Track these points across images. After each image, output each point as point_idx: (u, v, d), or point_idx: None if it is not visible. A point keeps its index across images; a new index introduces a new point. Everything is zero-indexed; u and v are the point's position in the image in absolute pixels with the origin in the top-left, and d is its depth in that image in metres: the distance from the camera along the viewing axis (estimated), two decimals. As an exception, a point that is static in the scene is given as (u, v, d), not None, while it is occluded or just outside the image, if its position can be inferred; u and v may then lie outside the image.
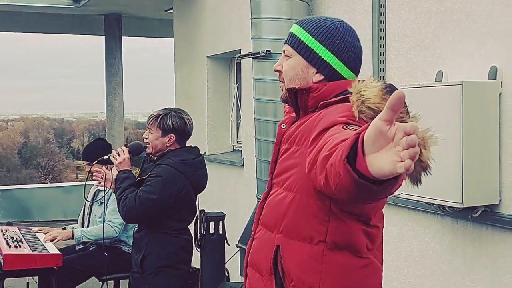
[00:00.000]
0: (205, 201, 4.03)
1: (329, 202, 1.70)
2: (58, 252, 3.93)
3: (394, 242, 3.46)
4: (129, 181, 3.42)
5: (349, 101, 1.70)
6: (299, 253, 1.77)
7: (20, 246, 3.96)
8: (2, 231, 4.39)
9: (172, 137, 3.48)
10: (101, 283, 4.50)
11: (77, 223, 4.74)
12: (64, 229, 4.62)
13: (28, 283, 4.14)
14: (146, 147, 3.54)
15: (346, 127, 1.62)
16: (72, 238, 4.36)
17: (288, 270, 1.78)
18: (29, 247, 3.99)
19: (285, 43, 1.94)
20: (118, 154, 3.48)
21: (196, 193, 3.59)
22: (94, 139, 4.88)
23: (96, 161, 3.67)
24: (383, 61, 3.48)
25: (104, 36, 9.30)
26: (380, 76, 3.47)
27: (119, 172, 3.48)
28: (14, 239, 4.14)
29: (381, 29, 3.49)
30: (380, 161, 1.23)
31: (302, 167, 1.67)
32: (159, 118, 3.50)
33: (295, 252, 1.77)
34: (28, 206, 9.47)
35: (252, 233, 1.94)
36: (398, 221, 3.44)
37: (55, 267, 3.86)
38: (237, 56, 3.93)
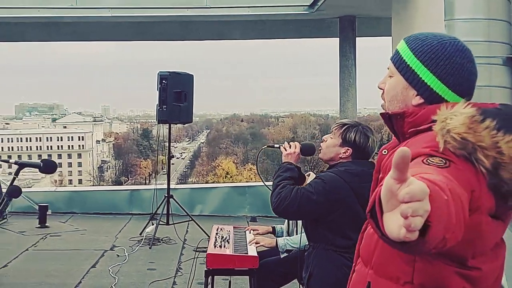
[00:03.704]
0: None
1: None
2: (255, 255, 4.15)
3: None
4: (291, 173, 3.38)
5: None
6: None
7: (224, 246, 4.27)
8: (217, 229, 4.79)
9: (348, 151, 3.36)
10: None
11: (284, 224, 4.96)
12: (273, 228, 4.87)
13: (230, 282, 4.46)
14: (319, 150, 3.50)
15: (427, 160, 1.47)
16: (276, 246, 4.54)
17: None
18: (233, 247, 4.29)
19: (390, 59, 1.81)
20: (290, 147, 3.51)
21: (365, 207, 3.40)
22: None
23: (266, 146, 3.89)
24: None
25: (338, 38, 9.48)
26: None
27: (284, 162, 3.47)
28: (223, 238, 4.48)
29: None
30: (391, 222, 1.12)
31: None
32: (344, 127, 3.41)
33: None
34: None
35: (353, 264, 1.86)
36: None
37: (254, 269, 4.11)
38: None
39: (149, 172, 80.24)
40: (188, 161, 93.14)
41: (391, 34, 6.43)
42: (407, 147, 1.61)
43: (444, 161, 1.48)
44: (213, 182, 57.47)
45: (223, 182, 48.11)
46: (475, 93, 3.11)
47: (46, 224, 9.20)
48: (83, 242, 8.21)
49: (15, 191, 3.23)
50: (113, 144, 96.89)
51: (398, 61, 1.76)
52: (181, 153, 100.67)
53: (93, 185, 75.58)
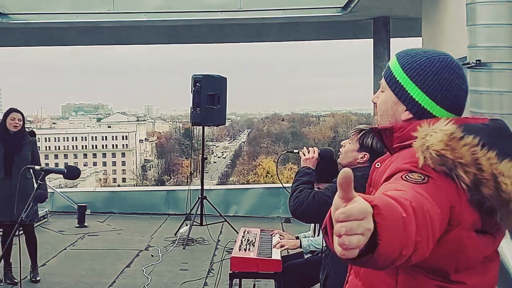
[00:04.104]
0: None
1: None
2: (279, 259, 4.20)
3: None
4: (309, 177, 3.50)
5: None
6: None
7: (249, 250, 4.34)
8: (244, 232, 4.86)
9: (366, 156, 3.41)
10: (327, 289, 4.67)
11: (309, 231, 4.98)
12: (297, 237, 4.91)
13: (254, 285, 4.51)
14: (338, 155, 3.56)
15: (406, 176, 1.50)
16: (300, 247, 4.59)
17: None
18: (257, 251, 4.34)
19: (382, 74, 1.84)
20: (308, 152, 3.60)
21: None
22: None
23: (285, 151, 3.92)
24: None
25: (372, 39, 9.45)
26: None
27: (303, 167, 3.58)
28: (249, 241, 4.54)
29: None
30: (335, 240, 1.16)
31: None
32: (362, 132, 3.46)
33: None
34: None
35: (347, 275, 1.89)
36: None
37: (278, 272, 4.16)
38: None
39: (191, 171, 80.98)
40: (229, 161, 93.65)
41: (421, 35, 6.39)
42: (391, 161, 1.66)
43: (423, 177, 1.50)
44: (253, 181, 57.64)
45: (263, 183, 48.22)
46: (497, 99, 3.10)
47: (85, 224, 9.44)
48: (119, 242, 8.39)
49: (40, 197, 3.37)
50: (155, 143, 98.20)
51: (388, 77, 1.80)
52: (222, 152, 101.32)
53: (135, 184, 76.75)
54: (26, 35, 10.28)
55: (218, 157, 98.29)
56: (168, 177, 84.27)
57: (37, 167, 3.58)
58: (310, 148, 3.67)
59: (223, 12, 9.00)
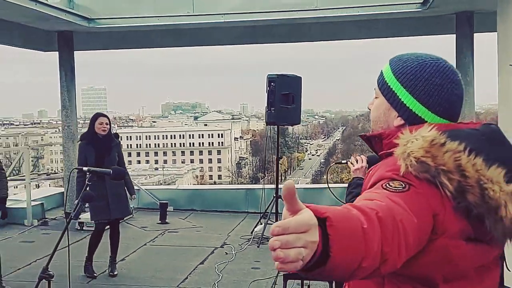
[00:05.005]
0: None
1: None
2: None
3: None
4: (361, 189, 3.45)
5: None
6: None
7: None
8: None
9: None
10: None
11: None
12: None
13: (309, 286, 4.51)
14: None
15: (386, 185, 1.47)
16: None
17: None
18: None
19: (376, 80, 1.81)
20: (357, 161, 3.54)
21: None
22: None
23: (334, 163, 3.92)
24: None
25: (454, 35, 9.08)
26: None
27: (354, 178, 3.53)
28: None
29: None
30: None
31: None
32: None
33: None
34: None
35: (344, 285, 1.87)
36: None
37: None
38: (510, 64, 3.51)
39: (284, 169, 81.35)
40: (323, 159, 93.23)
41: (497, 30, 6.07)
42: (376, 169, 1.63)
43: (404, 185, 1.46)
44: (347, 180, 56.97)
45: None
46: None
47: (167, 221, 9.76)
48: (197, 239, 8.62)
49: (88, 196, 3.54)
50: (250, 141, 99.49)
51: (381, 83, 1.75)
52: (316, 150, 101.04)
53: (231, 182, 78.15)
54: (112, 38, 10.74)
55: (312, 155, 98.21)
56: (263, 175, 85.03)
57: (84, 168, 3.79)
58: (358, 157, 3.63)
59: (299, 11, 8.98)
